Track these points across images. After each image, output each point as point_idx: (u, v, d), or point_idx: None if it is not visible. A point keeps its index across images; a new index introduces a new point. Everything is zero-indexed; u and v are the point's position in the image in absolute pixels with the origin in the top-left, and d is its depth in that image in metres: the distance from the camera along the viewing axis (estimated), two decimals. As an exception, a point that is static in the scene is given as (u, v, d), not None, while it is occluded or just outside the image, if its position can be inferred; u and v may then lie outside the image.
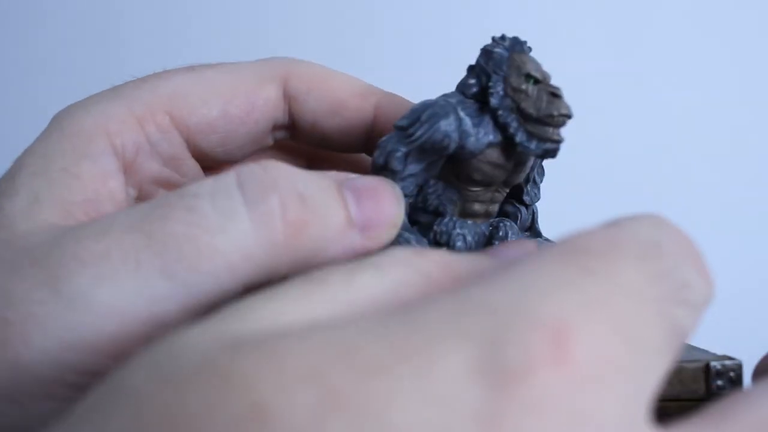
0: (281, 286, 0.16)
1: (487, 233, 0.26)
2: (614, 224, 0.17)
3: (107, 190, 0.24)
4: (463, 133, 0.24)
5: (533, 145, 0.24)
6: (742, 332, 0.45)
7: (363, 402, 0.13)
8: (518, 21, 0.58)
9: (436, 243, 0.26)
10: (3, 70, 0.56)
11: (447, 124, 0.24)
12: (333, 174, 0.22)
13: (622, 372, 0.14)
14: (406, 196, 0.25)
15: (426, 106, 0.25)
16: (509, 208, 0.28)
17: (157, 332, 0.19)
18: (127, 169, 0.25)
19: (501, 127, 0.25)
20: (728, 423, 0.15)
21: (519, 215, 0.27)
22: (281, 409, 0.12)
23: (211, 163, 0.29)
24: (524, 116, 0.24)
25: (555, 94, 0.24)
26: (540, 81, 0.24)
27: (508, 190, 0.27)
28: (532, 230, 0.28)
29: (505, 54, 0.25)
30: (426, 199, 0.27)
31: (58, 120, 0.25)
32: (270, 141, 0.30)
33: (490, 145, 0.25)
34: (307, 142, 0.30)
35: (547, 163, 0.28)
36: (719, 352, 0.31)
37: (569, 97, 0.25)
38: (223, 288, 0.19)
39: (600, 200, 0.49)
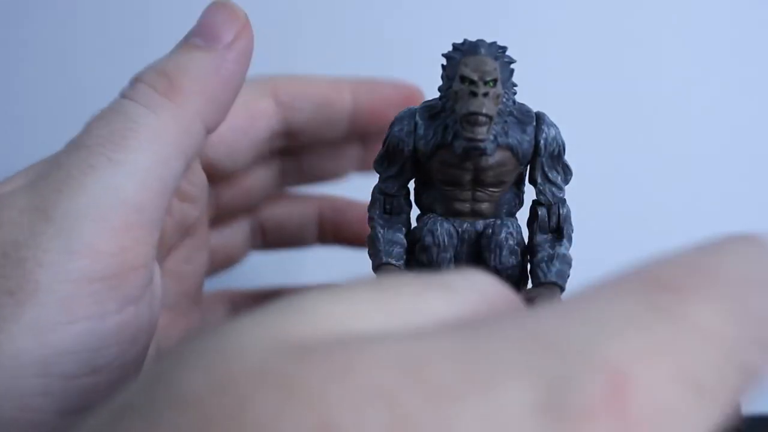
0: (344, 288, 0.16)
1: (479, 231, 0.27)
2: (703, 251, 0.16)
3: None
4: (416, 137, 0.26)
5: (457, 144, 0.25)
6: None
7: (430, 427, 0.13)
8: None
9: (412, 237, 0.27)
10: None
11: (398, 129, 0.27)
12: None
13: (680, 422, 0.13)
14: (388, 194, 0.28)
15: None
16: (532, 209, 0.28)
17: (135, 216, 0.24)
18: None
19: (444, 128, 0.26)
20: None
21: (537, 216, 0.28)
22: (349, 429, 0.12)
23: (216, 173, 0.32)
24: (456, 117, 0.25)
25: (473, 93, 0.25)
26: (474, 81, 0.25)
27: (496, 190, 0.27)
28: (558, 231, 0.28)
29: (458, 58, 0.25)
30: (421, 198, 0.28)
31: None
32: (268, 150, 0.34)
33: (439, 146, 0.26)
34: (301, 143, 0.34)
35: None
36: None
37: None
38: (168, 156, 0.25)
39: (602, 197, 0.49)
